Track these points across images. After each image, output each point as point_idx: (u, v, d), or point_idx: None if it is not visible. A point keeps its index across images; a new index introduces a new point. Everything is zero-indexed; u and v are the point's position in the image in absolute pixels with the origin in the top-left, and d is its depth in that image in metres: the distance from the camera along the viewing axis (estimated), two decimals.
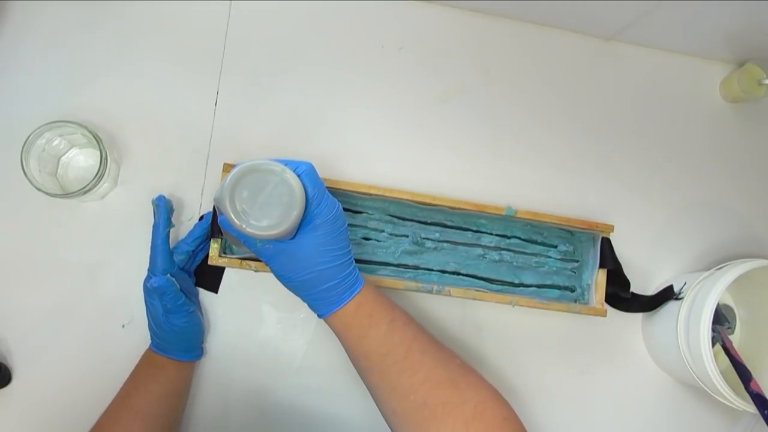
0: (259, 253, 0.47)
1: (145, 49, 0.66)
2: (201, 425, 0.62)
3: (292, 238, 0.45)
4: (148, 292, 0.56)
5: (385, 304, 0.50)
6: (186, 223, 0.64)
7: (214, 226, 0.59)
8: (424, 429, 0.46)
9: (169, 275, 0.56)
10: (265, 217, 0.43)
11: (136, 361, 0.59)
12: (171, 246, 0.59)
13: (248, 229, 0.43)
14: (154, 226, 0.57)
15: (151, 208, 0.59)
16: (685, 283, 0.64)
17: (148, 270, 0.57)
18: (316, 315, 0.50)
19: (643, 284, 0.69)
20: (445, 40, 0.71)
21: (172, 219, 0.59)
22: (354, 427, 0.63)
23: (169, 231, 0.58)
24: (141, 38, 0.66)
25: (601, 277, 0.64)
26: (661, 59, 0.75)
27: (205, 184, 0.65)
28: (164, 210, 0.57)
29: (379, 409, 0.51)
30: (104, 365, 0.61)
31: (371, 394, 0.51)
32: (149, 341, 0.59)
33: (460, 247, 0.65)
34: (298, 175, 0.45)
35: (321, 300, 0.48)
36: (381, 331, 0.48)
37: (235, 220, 0.43)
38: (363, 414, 0.63)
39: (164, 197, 0.58)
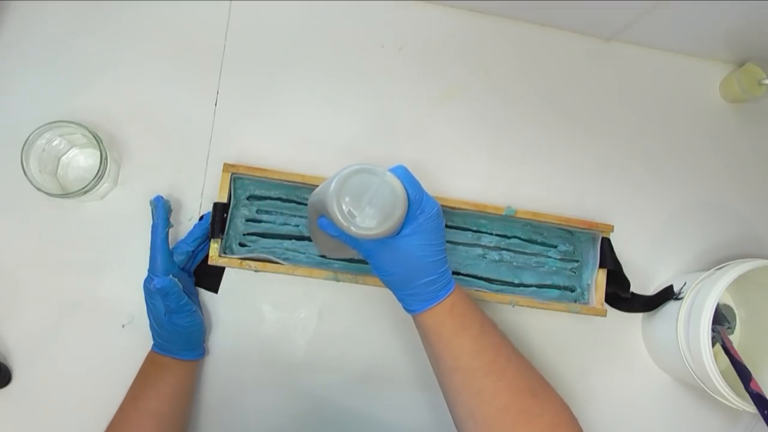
0: (360, 248, 0.49)
1: (145, 49, 0.66)
2: (201, 425, 0.62)
3: (396, 235, 0.47)
4: (150, 292, 0.56)
5: (475, 307, 0.51)
6: (186, 223, 0.64)
7: (214, 226, 0.59)
8: None
9: (171, 275, 0.56)
10: (371, 217, 0.44)
11: (137, 361, 0.59)
12: (171, 246, 0.59)
13: (354, 230, 0.44)
14: (153, 227, 0.57)
15: (149, 209, 0.59)
16: (685, 283, 0.64)
17: (149, 271, 0.57)
18: (407, 312, 0.51)
19: (643, 284, 0.70)
20: (445, 40, 0.71)
21: (171, 219, 0.59)
22: (354, 425, 0.64)
23: (168, 231, 0.58)
24: (141, 38, 0.66)
25: (601, 277, 0.64)
26: (661, 59, 0.75)
27: (205, 184, 0.65)
28: (162, 210, 0.57)
29: (453, 411, 0.52)
30: (104, 365, 0.61)
31: (447, 395, 0.52)
32: (151, 342, 0.58)
33: (460, 247, 0.65)
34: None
35: (419, 296, 0.49)
36: (473, 332, 0.50)
37: (343, 222, 0.44)
38: (363, 413, 0.64)
39: (162, 197, 0.58)
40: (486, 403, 0.48)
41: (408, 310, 0.51)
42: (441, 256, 0.49)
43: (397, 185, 0.45)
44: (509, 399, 0.48)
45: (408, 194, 0.46)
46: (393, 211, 0.45)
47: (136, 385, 0.57)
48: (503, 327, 0.66)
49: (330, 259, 0.62)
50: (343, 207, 0.44)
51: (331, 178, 0.46)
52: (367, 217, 0.44)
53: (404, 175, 0.47)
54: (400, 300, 0.51)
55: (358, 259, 0.62)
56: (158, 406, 0.56)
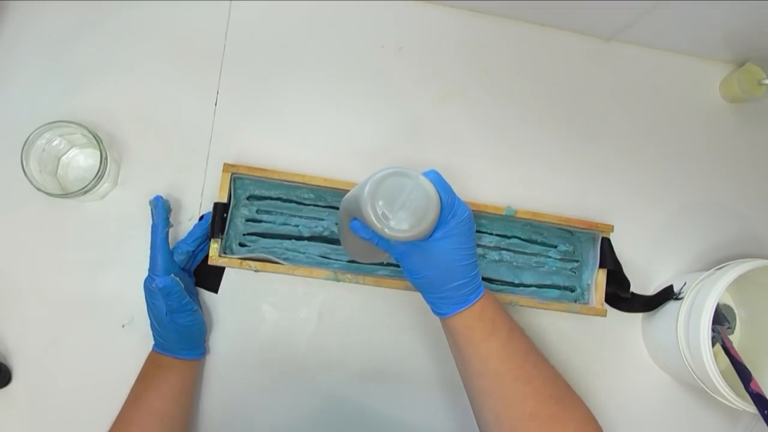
0: (392, 251, 0.49)
1: (145, 49, 0.66)
2: (201, 425, 0.62)
3: (428, 238, 0.47)
4: (151, 292, 0.56)
5: (504, 313, 0.52)
6: (186, 223, 0.64)
7: (214, 226, 0.59)
8: None
9: (173, 275, 0.56)
10: (404, 220, 0.45)
11: (137, 361, 0.59)
12: (171, 246, 0.59)
13: (388, 232, 0.45)
14: (152, 227, 0.57)
15: (149, 209, 0.59)
16: (685, 283, 0.64)
17: (149, 270, 0.57)
18: (436, 315, 0.52)
19: (643, 284, 0.70)
20: (445, 40, 0.71)
21: (171, 219, 0.59)
22: (353, 424, 0.64)
23: (168, 231, 0.58)
24: (141, 38, 0.66)
25: (601, 277, 0.64)
26: (661, 59, 0.75)
27: (205, 184, 0.65)
28: (162, 210, 0.57)
29: (478, 414, 0.52)
30: (104, 365, 0.61)
31: (473, 398, 0.52)
32: (151, 342, 0.58)
33: None
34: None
35: (449, 299, 0.50)
36: (502, 337, 0.50)
37: (377, 224, 0.44)
38: (363, 413, 0.64)
39: (161, 197, 0.58)
40: (512, 407, 0.49)
41: (437, 314, 0.51)
42: (471, 260, 0.49)
43: (430, 189, 0.46)
44: (536, 405, 0.48)
45: (440, 198, 0.47)
46: (426, 214, 0.45)
47: (138, 385, 0.57)
48: None
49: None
50: (377, 209, 0.45)
51: (365, 180, 0.46)
52: (400, 220, 0.45)
53: (437, 179, 0.48)
54: (430, 303, 0.51)
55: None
56: (161, 406, 0.56)
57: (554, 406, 0.49)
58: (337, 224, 0.62)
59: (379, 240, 0.49)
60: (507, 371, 0.49)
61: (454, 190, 0.48)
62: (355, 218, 0.48)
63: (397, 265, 0.63)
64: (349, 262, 0.62)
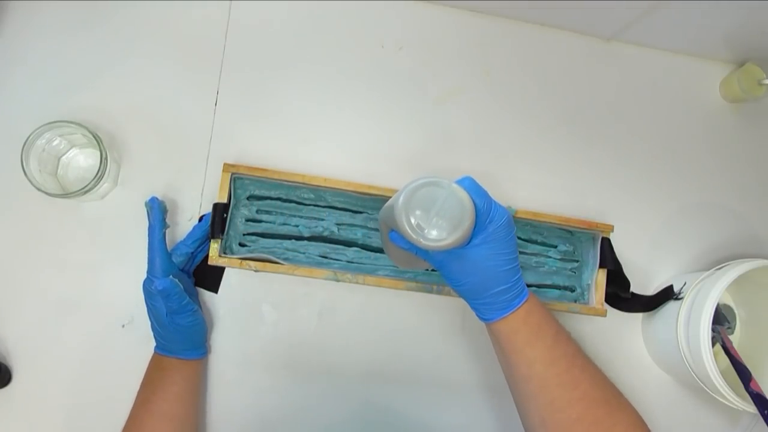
0: (431, 260, 0.50)
1: (145, 49, 0.66)
2: (200, 425, 0.62)
3: (466, 245, 0.47)
4: (150, 294, 0.56)
5: (550, 317, 0.52)
6: (186, 224, 0.64)
7: (214, 226, 0.59)
8: None
9: (171, 277, 0.56)
10: (439, 229, 0.45)
11: (136, 361, 0.59)
12: (170, 248, 0.59)
13: (423, 242, 0.45)
14: (149, 228, 0.57)
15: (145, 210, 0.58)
16: (685, 283, 0.64)
17: (148, 272, 0.57)
18: (481, 321, 0.52)
19: (643, 284, 0.70)
20: (445, 40, 0.71)
21: (167, 219, 0.58)
22: (353, 424, 0.64)
23: (165, 232, 0.57)
24: (141, 38, 0.66)
25: (601, 277, 0.64)
26: (661, 59, 0.75)
27: (205, 184, 0.65)
28: (158, 212, 0.57)
29: (524, 418, 0.52)
30: (104, 365, 0.61)
31: (519, 402, 0.52)
32: (151, 342, 0.58)
33: None
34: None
35: (492, 304, 0.49)
36: (547, 341, 0.50)
37: (412, 235, 0.45)
38: (362, 413, 0.64)
39: (157, 198, 0.57)
40: (559, 412, 0.49)
41: (482, 319, 0.51)
42: (513, 265, 0.49)
43: (464, 196, 0.46)
44: (583, 410, 0.48)
45: (476, 204, 0.46)
46: (461, 222, 0.45)
47: (145, 389, 0.57)
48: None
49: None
50: (412, 220, 0.45)
51: (399, 192, 0.46)
52: (435, 229, 0.45)
53: (471, 185, 0.48)
54: (474, 309, 0.51)
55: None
56: (170, 408, 0.56)
57: (601, 410, 0.49)
58: (337, 224, 0.63)
59: (417, 249, 0.49)
60: (552, 376, 0.49)
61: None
62: (393, 230, 0.49)
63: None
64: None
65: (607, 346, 0.69)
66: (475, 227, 0.46)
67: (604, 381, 0.51)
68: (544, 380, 0.49)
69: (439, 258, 0.49)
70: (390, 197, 0.62)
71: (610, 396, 0.50)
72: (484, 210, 0.47)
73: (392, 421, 0.64)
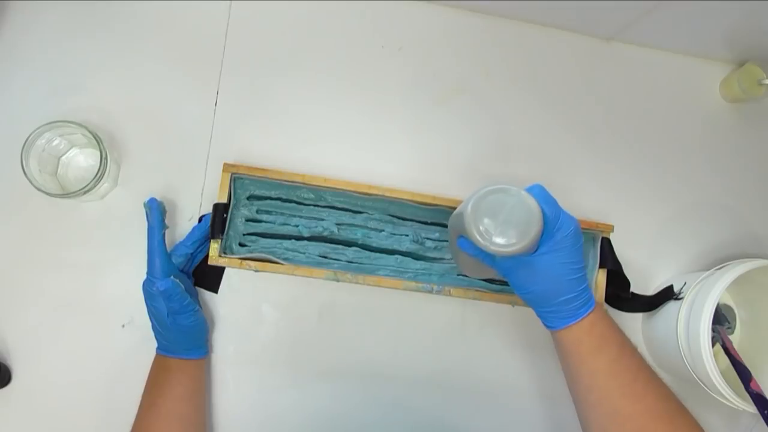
0: (498, 267, 0.50)
1: (146, 49, 0.66)
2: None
3: (533, 253, 0.48)
4: (151, 295, 0.56)
5: (616, 329, 0.52)
6: (186, 224, 0.64)
7: (214, 226, 0.59)
8: None
9: (172, 277, 0.56)
10: (507, 235, 0.45)
11: (137, 361, 0.59)
12: (169, 249, 0.59)
13: (491, 248, 0.45)
14: (149, 229, 0.57)
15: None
16: (685, 283, 0.64)
17: (148, 273, 0.56)
18: (547, 328, 0.52)
19: (643, 284, 0.70)
20: (445, 40, 0.71)
21: (166, 220, 0.58)
22: (352, 425, 0.64)
23: (164, 232, 0.57)
24: (141, 38, 0.66)
25: (601, 277, 0.64)
26: (661, 59, 0.75)
27: (205, 184, 0.65)
28: (157, 212, 0.57)
29: (585, 427, 0.52)
30: (104, 365, 0.61)
31: (581, 411, 0.52)
32: (151, 342, 0.58)
33: None
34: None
35: (558, 313, 0.50)
36: (612, 353, 0.50)
37: (480, 240, 0.45)
38: (362, 413, 0.64)
39: (156, 199, 0.57)
40: (620, 425, 0.49)
41: (547, 327, 0.52)
42: (580, 274, 0.49)
43: (533, 203, 0.46)
44: (645, 424, 0.48)
45: (544, 212, 0.47)
46: (528, 229, 0.45)
47: (150, 391, 0.57)
48: (503, 328, 0.67)
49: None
50: (480, 226, 0.45)
51: (468, 198, 0.47)
52: (503, 235, 0.45)
53: (540, 193, 0.48)
54: (540, 316, 0.52)
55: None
56: (177, 408, 0.56)
57: (665, 426, 0.49)
58: (337, 224, 0.63)
59: (485, 256, 0.49)
60: (616, 388, 0.49)
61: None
62: (462, 236, 0.49)
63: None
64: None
65: None
66: (542, 235, 0.47)
67: (669, 396, 0.51)
68: (606, 391, 0.49)
69: (507, 265, 0.49)
70: (390, 197, 0.62)
71: (675, 413, 0.50)
72: (552, 218, 0.47)
73: (392, 421, 0.64)
